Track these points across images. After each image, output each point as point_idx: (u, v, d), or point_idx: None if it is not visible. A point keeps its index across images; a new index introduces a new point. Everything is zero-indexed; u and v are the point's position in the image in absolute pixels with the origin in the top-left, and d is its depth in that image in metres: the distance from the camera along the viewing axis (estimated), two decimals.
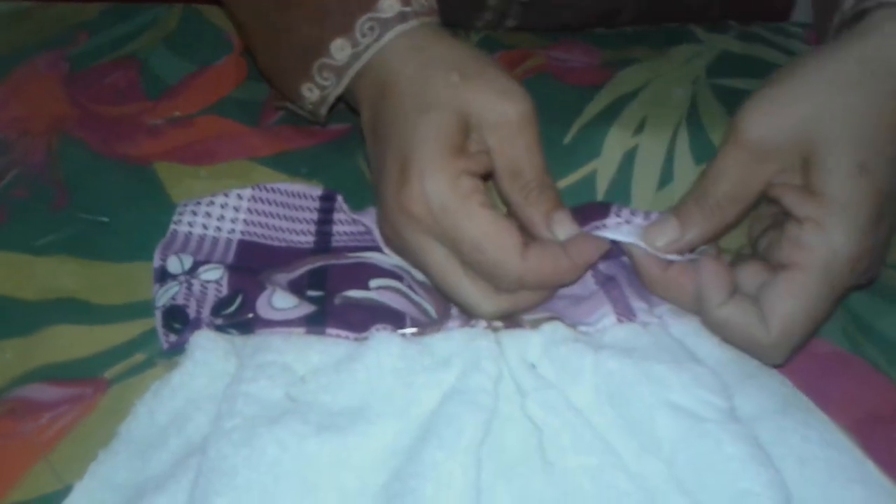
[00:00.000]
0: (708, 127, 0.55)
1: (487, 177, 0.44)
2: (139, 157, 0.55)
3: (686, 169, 0.53)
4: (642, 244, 0.42)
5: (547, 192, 0.43)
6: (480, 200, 0.41)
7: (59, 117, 0.58)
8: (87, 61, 0.63)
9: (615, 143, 0.55)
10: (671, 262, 0.42)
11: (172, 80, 0.61)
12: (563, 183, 0.53)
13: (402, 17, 0.46)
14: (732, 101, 0.57)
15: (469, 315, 0.43)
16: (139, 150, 0.56)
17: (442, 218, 0.41)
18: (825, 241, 0.39)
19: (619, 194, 0.52)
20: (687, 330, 0.42)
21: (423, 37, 0.46)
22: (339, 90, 0.48)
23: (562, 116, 0.57)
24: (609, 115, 0.57)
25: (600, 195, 0.52)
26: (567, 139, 0.55)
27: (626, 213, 0.44)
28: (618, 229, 0.43)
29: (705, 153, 0.54)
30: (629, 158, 0.54)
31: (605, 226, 0.43)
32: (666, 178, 0.53)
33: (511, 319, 0.42)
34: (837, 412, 0.41)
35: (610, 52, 0.62)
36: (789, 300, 0.39)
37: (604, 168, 0.54)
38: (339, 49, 0.47)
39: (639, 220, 0.43)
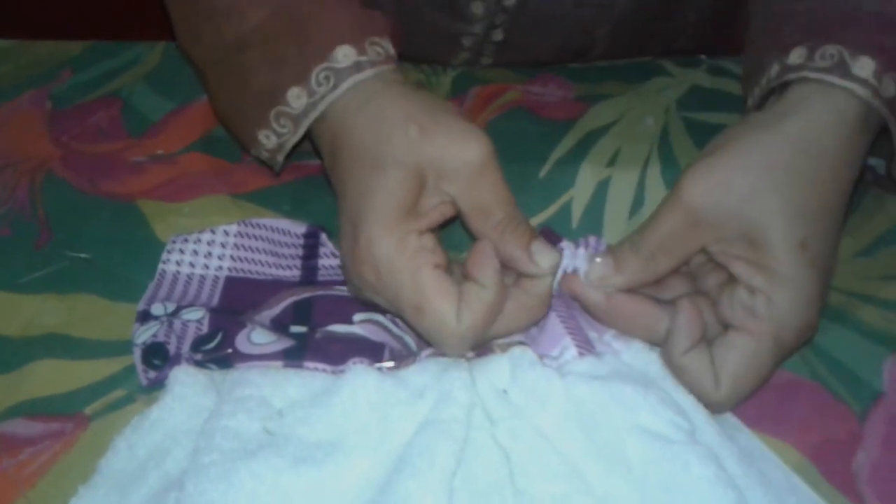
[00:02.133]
0: (679, 158, 0.57)
1: (445, 224, 0.45)
2: (123, 195, 0.56)
3: (657, 197, 0.54)
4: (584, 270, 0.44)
5: (521, 226, 0.44)
6: (426, 260, 0.42)
7: (42, 155, 0.59)
8: (69, 99, 0.64)
9: (589, 174, 0.56)
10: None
11: (154, 118, 0.62)
12: (541, 217, 0.54)
13: (356, 68, 0.46)
14: (702, 134, 0.59)
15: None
16: (123, 187, 0.57)
17: (389, 281, 0.42)
18: (775, 313, 0.41)
19: (593, 222, 0.54)
20: (637, 355, 0.43)
21: (373, 89, 0.46)
22: (295, 138, 0.49)
23: (538, 150, 0.58)
24: (583, 147, 0.58)
25: (575, 223, 0.54)
26: (543, 173, 0.57)
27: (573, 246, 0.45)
28: (569, 254, 0.44)
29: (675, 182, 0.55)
30: (602, 188, 0.55)
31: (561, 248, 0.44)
32: (637, 206, 0.54)
33: (482, 346, 0.43)
34: (795, 437, 0.42)
35: (584, 87, 0.64)
36: (741, 363, 0.41)
37: (578, 197, 0.55)
38: (296, 97, 0.47)
39: (582, 250, 0.45)
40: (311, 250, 0.50)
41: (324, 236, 0.51)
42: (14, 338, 0.48)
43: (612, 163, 0.57)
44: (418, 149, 0.43)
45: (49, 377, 0.46)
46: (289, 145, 0.49)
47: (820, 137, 0.43)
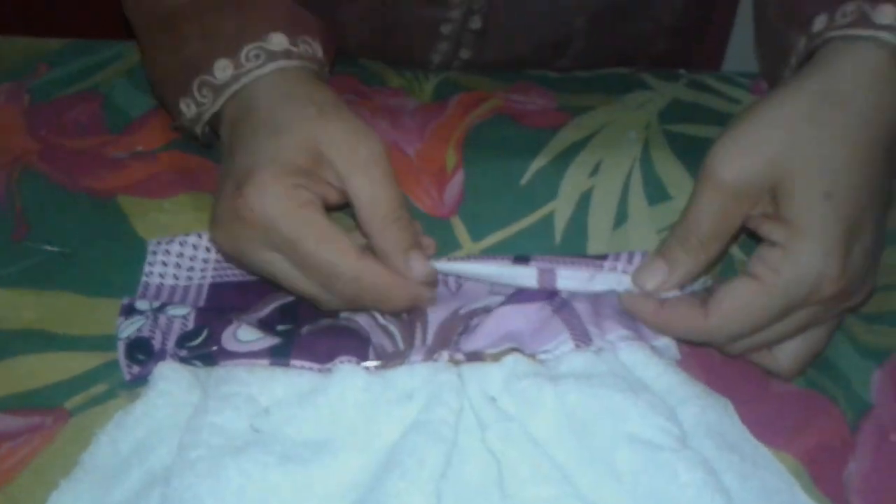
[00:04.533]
0: (660, 170, 0.58)
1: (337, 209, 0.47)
2: (102, 191, 0.55)
3: (639, 209, 0.55)
4: (631, 287, 0.45)
5: (402, 224, 0.45)
6: (317, 209, 0.43)
7: (20, 149, 0.58)
8: (48, 93, 0.63)
9: (572, 184, 0.57)
10: (666, 308, 0.44)
11: (135, 114, 0.62)
12: (522, 223, 0.55)
13: (287, 54, 0.48)
14: (682, 146, 0.59)
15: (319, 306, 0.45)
16: (102, 183, 0.56)
17: (279, 223, 0.42)
18: (788, 264, 0.41)
19: (577, 234, 0.54)
20: (635, 355, 0.43)
21: (295, 77, 0.48)
22: (213, 108, 0.49)
23: (519, 157, 0.59)
24: (566, 157, 0.59)
25: (558, 236, 0.54)
26: (524, 180, 0.57)
27: (615, 261, 0.46)
28: (604, 279, 0.45)
29: (657, 194, 0.56)
30: (585, 199, 0.56)
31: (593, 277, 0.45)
32: (621, 218, 0.55)
33: (473, 353, 0.43)
34: (789, 442, 0.43)
35: (565, 97, 0.64)
36: (737, 298, 0.42)
37: (561, 209, 0.55)
38: (222, 69, 0.48)
39: (621, 265, 0.45)
40: None
41: None
42: None
43: (594, 173, 0.58)
44: (314, 127, 0.45)
45: (28, 371, 0.45)
46: (206, 115, 0.50)
47: (841, 87, 0.42)
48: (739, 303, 0.42)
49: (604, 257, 0.46)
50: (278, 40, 0.48)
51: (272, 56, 0.48)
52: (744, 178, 0.42)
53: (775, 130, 0.42)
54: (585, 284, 0.45)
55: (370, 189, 0.44)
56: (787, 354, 0.44)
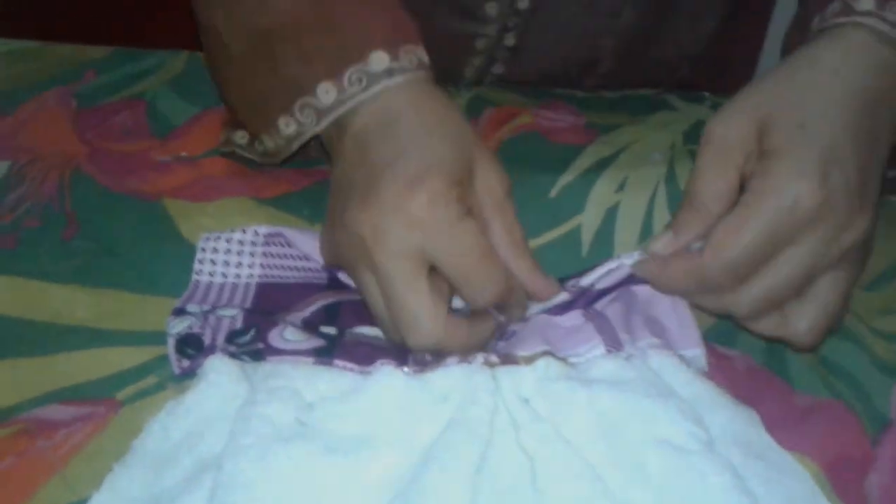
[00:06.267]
0: (684, 187, 0.59)
1: None
2: (148, 193, 0.57)
3: (664, 223, 0.57)
4: (640, 256, 0.48)
5: (529, 253, 0.48)
6: (472, 222, 0.45)
7: (70, 152, 0.61)
8: (94, 99, 0.66)
9: (598, 199, 0.59)
10: (668, 262, 0.47)
11: (177, 121, 0.64)
12: (549, 236, 0.57)
13: (388, 73, 0.48)
14: None
15: (407, 335, 0.45)
16: (148, 185, 0.58)
17: (446, 230, 0.44)
18: (767, 182, 0.44)
19: (603, 247, 0.56)
20: (664, 363, 0.45)
21: (417, 93, 0.49)
22: (317, 130, 0.50)
23: (548, 171, 0.61)
24: (593, 173, 0.61)
25: (585, 248, 0.56)
26: (553, 193, 0.59)
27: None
28: (620, 259, 0.48)
29: None
30: (611, 214, 0.58)
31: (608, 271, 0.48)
32: (647, 232, 0.57)
33: (506, 356, 0.45)
34: (812, 451, 0.44)
35: (593, 115, 0.67)
36: (726, 223, 0.45)
37: (588, 222, 0.57)
38: (325, 92, 0.49)
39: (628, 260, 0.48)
40: None
41: None
42: (44, 324, 0.49)
43: (621, 188, 0.60)
44: (472, 148, 0.47)
45: (81, 365, 0.47)
46: (307, 135, 0.51)
47: (817, 53, 0.47)
48: (728, 228, 0.44)
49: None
50: (379, 58, 0.48)
51: (374, 78, 0.48)
52: (731, 130, 0.46)
53: (758, 88, 0.47)
54: (605, 271, 0.48)
55: (510, 218, 0.48)
56: (802, 318, 0.46)
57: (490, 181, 0.47)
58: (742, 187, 0.46)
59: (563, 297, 0.48)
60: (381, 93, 0.48)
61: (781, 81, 0.47)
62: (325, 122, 0.50)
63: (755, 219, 0.44)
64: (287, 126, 0.51)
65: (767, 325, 0.47)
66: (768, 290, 0.45)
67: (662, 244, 0.47)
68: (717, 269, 0.45)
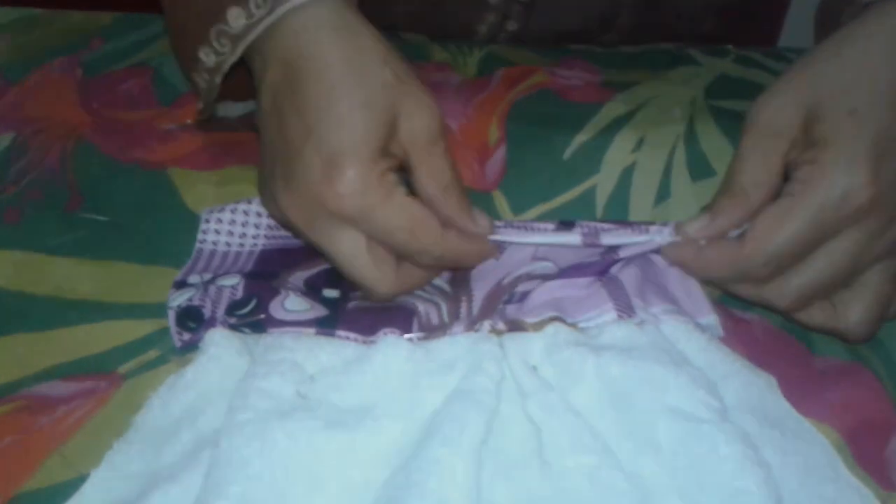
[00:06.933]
0: (704, 146, 0.57)
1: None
2: (153, 163, 0.57)
3: (683, 186, 0.55)
4: (670, 234, 0.46)
5: (463, 193, 0.47)
6: (404, 192, 0.44)
7: (74, 121, 0.60)
8: (100, 67, 0.65)
9: (614, 159, 0.57)
10: (704, 248, 0.45)
11: (183, 88, 0.63)
12: (563, 197, 0.55)
13: None
14: (729, 123, 0.59)
15: (369, 294, 0.45)
16: (153, 155, 0.57)
17: (371, 214, 0.43)
18: (816, 173, 0.42)
19: (618, 209, 0.54)
20: (678, 329, 0.44)
21: (345, 17, 0.45)
22: (233, 58, 0.48)
23: (563, 132, 0.59)
24: (608, 132, 0.59)
25: (599, 210, 0.54)
26: (567, 154, 0.57)
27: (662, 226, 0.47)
28: (648, 234, 0.47)
29: (701, 171, 0.56)
30: (627, 175, 0.56)
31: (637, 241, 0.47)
32: (663, 194, 0.55)
33: (514, 322, 0.44)
34: (832, 417, 0.43)
35: (611, 72, 0.64)
36: (771, 216, 0.43)
37: (603, 184, 0.56)
38: (235, 17, 0.47)
39: (668, 230, 0.47)
40: None
41: None
42: (46, 298, 0.48)
43: (637, 148, 0.58)
44: (394, 97, 0.44)
45: (83, 339, 0.46)
46: (226, 65, 0.49)
47: (865, 31, 0.44)
48: (771, 218, 0.43)
49: (649, 224, 0.47)
50: None
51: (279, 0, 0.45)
52: (777, 115, 0.44)
53: (810, 67, 0.45)
54: (630, 239, 0.46)
55: (437, 161, 0.45)
56: (852, 310, 0.44)
57: (414, 126, 0.45)
58: (785, 175, 0.45)
59: (575, 239, 0.47)
60: (292, 24, 0.45)
61: (830, 64, 0.44)
62: (239, 49, 0.48)
63: (802, 211, 0.42)
64: (207, 57, 0.49)
65: (816, 318, 0.45)
66: (811, 282, 0.43)
67: (698, 228, 0.45)
68: (757, 260, 0.43)
